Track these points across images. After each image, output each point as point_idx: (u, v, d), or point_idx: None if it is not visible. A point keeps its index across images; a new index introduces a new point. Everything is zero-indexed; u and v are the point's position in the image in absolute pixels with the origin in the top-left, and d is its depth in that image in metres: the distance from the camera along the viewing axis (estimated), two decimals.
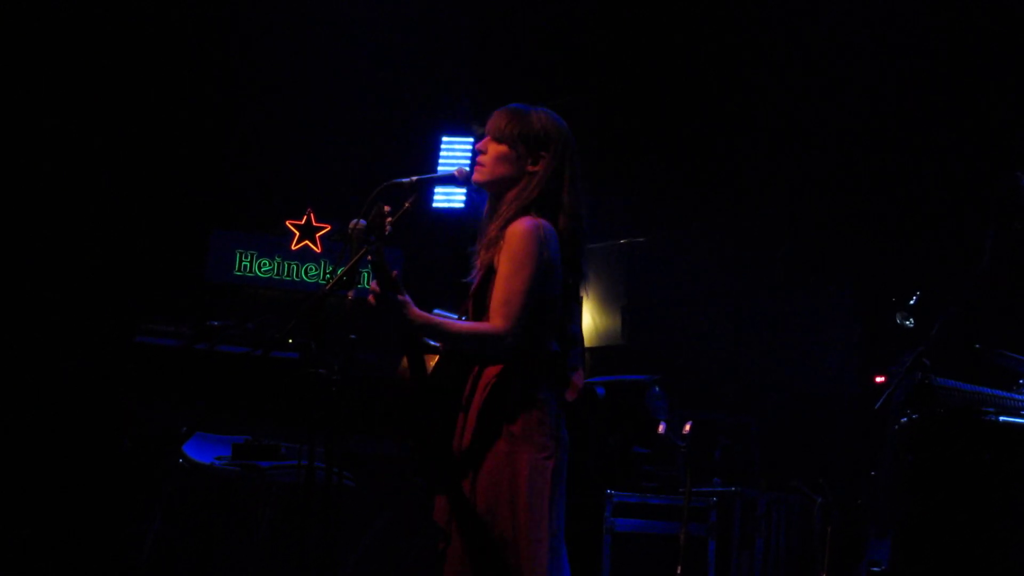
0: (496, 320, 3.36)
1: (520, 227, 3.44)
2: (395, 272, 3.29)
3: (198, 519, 5.92)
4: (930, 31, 7.71)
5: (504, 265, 3.41)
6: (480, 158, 3.63)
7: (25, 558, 6.43)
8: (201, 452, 5.71)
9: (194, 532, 5.93)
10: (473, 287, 3.52)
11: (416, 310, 3.32)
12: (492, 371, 3.46)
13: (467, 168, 3.67)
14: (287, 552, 5.84)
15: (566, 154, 3.62)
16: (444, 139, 10.33)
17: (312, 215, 10.71)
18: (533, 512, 3.39)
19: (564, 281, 3.51)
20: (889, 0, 7.89)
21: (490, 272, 3.46)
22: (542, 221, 3.47)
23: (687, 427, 5.61)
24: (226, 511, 5.89)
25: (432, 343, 3.47)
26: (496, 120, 3.63)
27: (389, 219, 3.27)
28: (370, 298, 3.28)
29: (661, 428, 6.23)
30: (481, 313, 3.44)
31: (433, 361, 3.51)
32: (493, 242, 3.47)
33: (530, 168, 3.59)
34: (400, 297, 3.29)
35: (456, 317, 3.66)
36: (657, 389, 7.06)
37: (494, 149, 3.61)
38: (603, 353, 10.02)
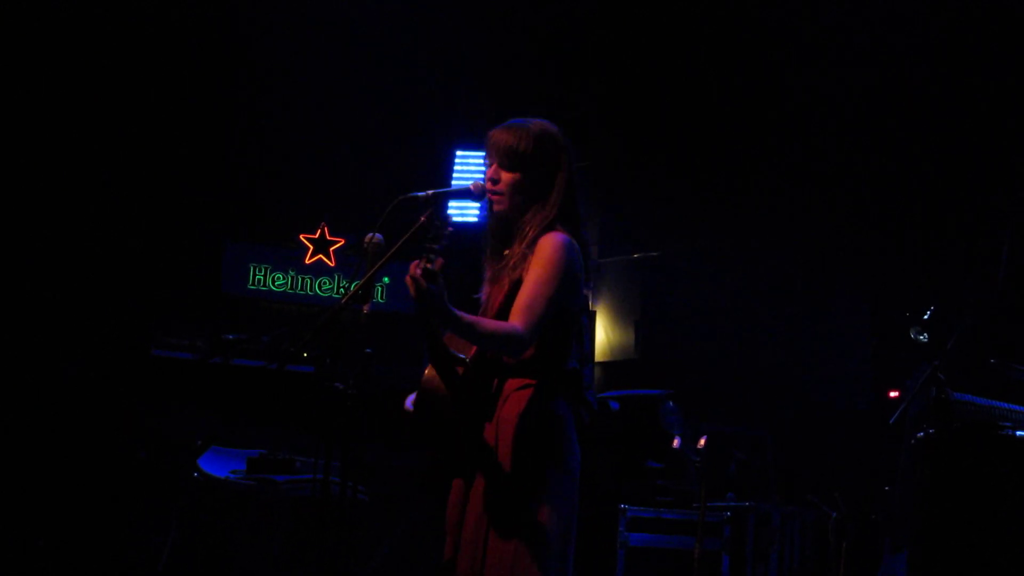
0: (517, 321, 3.36)
1: (552, 239, 3.47)
2: (439, 261, 3.23)
3: (213, 532, 5.94)
4: (950, 44, 7.71)
5: (533, 272, 3.43)
6: (496, 188, 3.59)
7: (34, 567, 6.44)
8: (216, 466, 5.73)
9: (209, 545, 5.94)
10: (497, 302, 3.51)
11: (448, 304, 3.24)
12: (514, 384, 3.48)
13: (482, 182, 3.65)
14: (302, 565, 5.85)
15: (571, 165, 3.64)
16: (458, 152, 10.35)
17: (326, 229, 10.73)
18: (550, 527, 3.40)
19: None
20: (903, 9, 7.89)
21: (517, 288, 3.45)
22: (570, 237, 3.49)
23: (702, 441, 5.59)
24: (241, 524, 5.90)
25: (458, 355, 3.45)
26: (502, 143, 3.59)
27: (449, 229, 3.26)
28: (407, 279, 3.18)
29: (675, 442, 6.22)
30: None
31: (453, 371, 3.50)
32: (521, 260, 3.46)
33: (544, 187, 3.59)
34: (437, 287, 3.20)
35: None
36: (671, 403, 7.06)
37: (507, 177, 3.58)
38: (617, 368, 10.01)
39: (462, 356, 3.44)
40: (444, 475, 3.53)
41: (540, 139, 3.60)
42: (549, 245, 3.45)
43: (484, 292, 3.67)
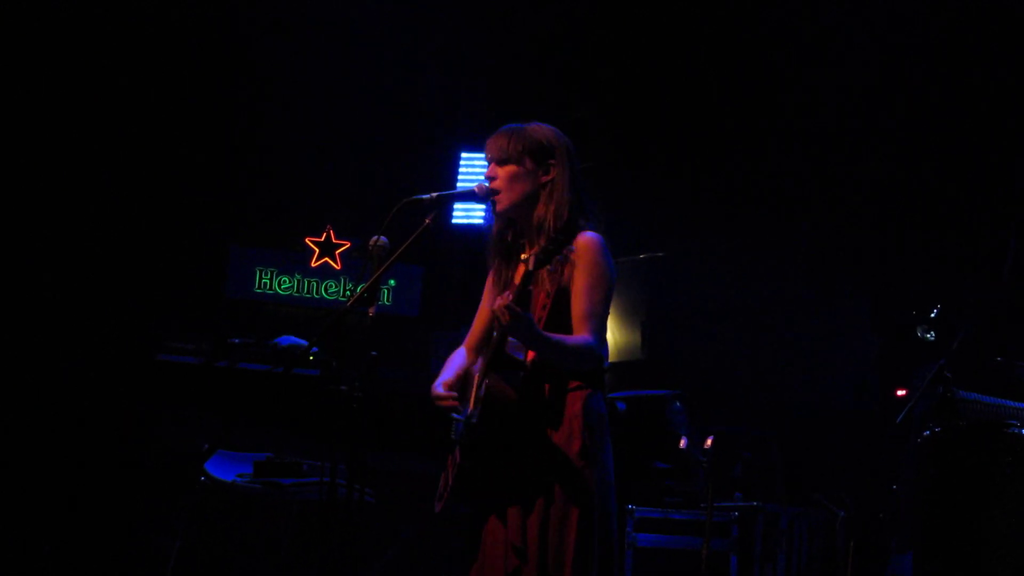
0: (586, 332, 3.44)
1: (593, 241, 3.52)
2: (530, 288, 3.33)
3: (220, 536, 5.94)
4: (950, 44, 7.70)
5: (584, 278, 3.49)
6: (493, 184, 3.63)
7: (39, 570, 6.46)
8: (223, 469, 5.73)
9: (216, 549, 5.95)
10: (539, 304, 3.51)
11: (537, 328, 3.34)
12: (567, 385, 3.52)
13: (486, 184, 3.67)
14: (308, 569, 5.85)
15: (571, 158, 3.68)
16: (463, 155, 10.34)
17: (332, 232, 10.73)
18: (604, 530, 3.46)
19: None
20: (903, 9, 7.88)
21: (562, 292, 3.50)
22: (603, 237, 3.56)
23: (708, 442, 5.59)
24: (248, 528, 5.91)
25: (518, 357, 3.48)
26: (495, 144, 3.64)
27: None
28: (498, 306, 3.26)
29: (682, 443, 6.22)
30: (556, 331, 3.46)
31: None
32: (560, 263, 3.41)
33: (543, 179, 3.61)
34: (528, 313, 3.29)
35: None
36: (678, 404, 7.05)
37: (503, 172, 3.62)
38: (623, 368, 9.99)
39: (520, 358, 3.48)
40: (484, 485, 3.52)
41: (533, 134, 3.66)
42: (590, 248, 3.50)
43: (492, 296, 3.68)
